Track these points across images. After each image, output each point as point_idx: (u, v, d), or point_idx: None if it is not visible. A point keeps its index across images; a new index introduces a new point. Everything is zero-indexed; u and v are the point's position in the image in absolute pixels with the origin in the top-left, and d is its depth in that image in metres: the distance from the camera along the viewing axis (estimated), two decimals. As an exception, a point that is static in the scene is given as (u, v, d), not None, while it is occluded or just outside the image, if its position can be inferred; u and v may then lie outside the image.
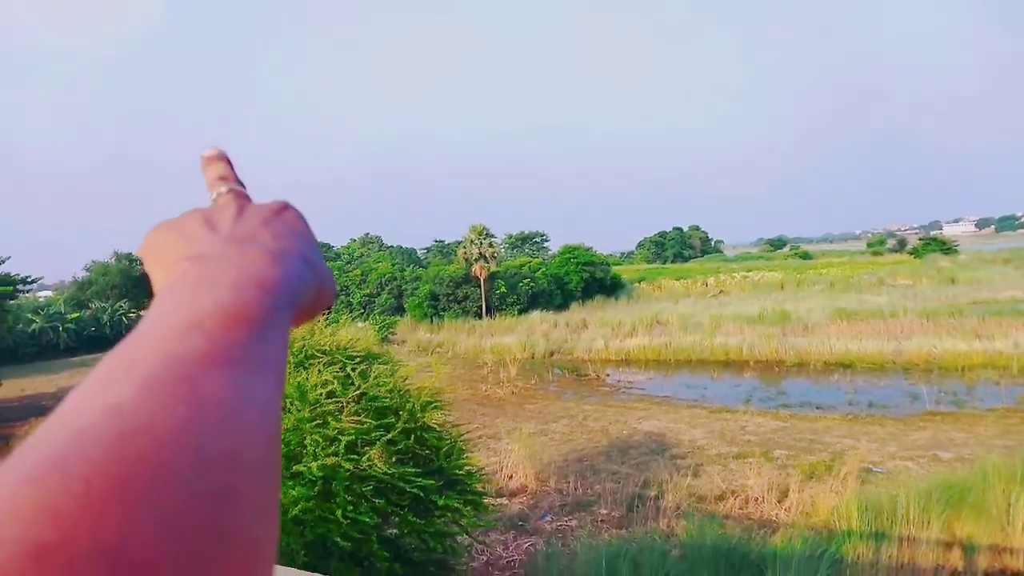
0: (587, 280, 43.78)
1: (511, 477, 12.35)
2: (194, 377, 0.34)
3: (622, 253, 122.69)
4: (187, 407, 0.32)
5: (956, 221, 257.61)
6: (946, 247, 64.10)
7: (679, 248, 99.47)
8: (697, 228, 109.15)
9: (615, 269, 54.44)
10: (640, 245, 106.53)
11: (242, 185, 0.56)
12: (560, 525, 10.43)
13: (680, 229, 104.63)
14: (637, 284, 52.63)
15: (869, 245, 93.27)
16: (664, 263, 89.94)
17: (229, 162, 0.57)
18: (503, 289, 38.79)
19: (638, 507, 10.59)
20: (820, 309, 30.07)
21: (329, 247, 68.57)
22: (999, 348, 20.69)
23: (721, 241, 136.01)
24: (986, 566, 8.51)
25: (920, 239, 79.37)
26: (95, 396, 0.32)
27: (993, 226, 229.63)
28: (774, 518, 9.95)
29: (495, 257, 39.43)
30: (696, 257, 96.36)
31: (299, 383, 7.08)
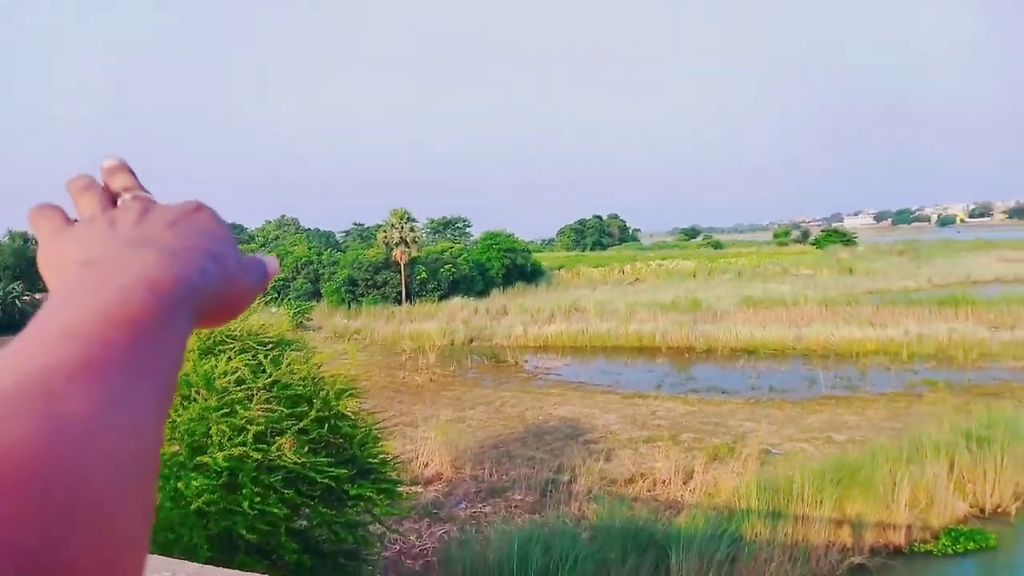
0: (508, 266, 44.05)
1: (427, 465, 12.37)
2: (56, 390, 0.32)
3: (543, 240, 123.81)
4: (38, 422, 0.30)
5: (856, 214, 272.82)
6: (846, 239, 67.91)
7: (598, 236, 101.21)
8: (616, 217, 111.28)
9: (536, 256, 54.95)
10: (560, 232, 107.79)
11: (147, 193, 0.54)
12: (475, 512, 10.55)
13: (599, 217, 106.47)
14: (557, 271, 53.33)
15: (775, 236, 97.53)
16: (583, 251, 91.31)
17: (131, 171, 0.55)
18: (424, 275, 38.55)
19: (551, 492, 10.82)
20: (729, 297, 31.34)
21: (242, 228, 66.26)
22: (891, 335, 22.12)
23: (638, 230, 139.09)
24: (872, 542, 9.16)
25: (822, 231, 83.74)
26: None
27: (890, 219, 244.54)
28: (680, 499, 10.38)
29: (416, 242, 39.11)
30: (614, 245, 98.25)
31: (206, 371, 6.87)
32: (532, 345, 26.41)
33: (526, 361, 23.81)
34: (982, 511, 10.10)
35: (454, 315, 31.85)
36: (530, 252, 50.18)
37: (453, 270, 39.73)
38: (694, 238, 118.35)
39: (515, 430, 14.80)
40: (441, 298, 37.64)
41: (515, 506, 10.64)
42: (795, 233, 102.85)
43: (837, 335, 22.79)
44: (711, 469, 11.22)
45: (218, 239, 0.49)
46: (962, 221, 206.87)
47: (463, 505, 10.80)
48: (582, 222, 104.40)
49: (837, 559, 8.68)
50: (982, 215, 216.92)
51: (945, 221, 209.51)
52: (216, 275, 0.45)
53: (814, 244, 70.46)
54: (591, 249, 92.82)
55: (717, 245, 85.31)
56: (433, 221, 60.24)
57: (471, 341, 27.76)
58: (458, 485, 11.62)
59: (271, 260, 0.55)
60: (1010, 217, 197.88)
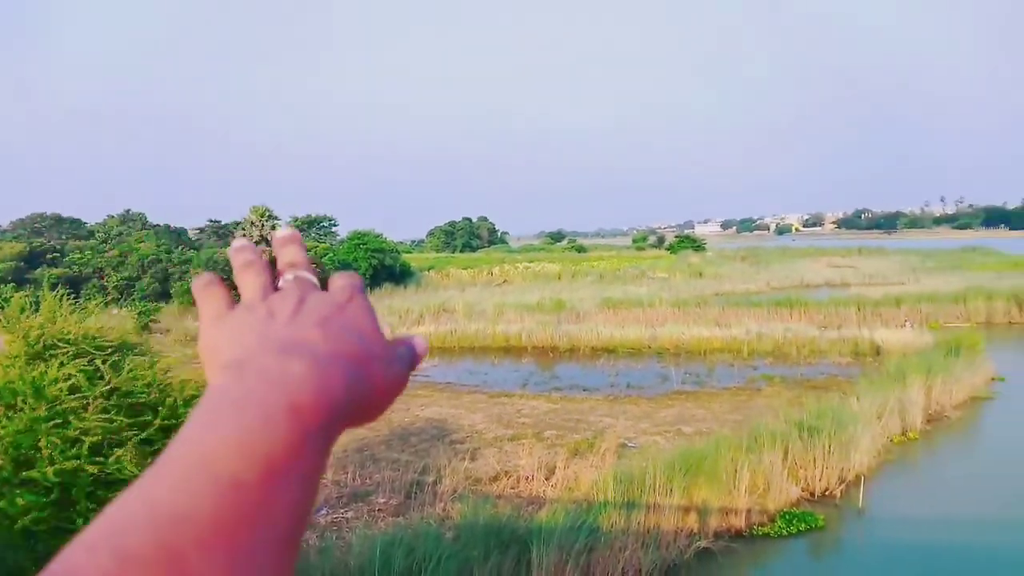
0: (376, 267, 43.33)
1: (287, 471, 11.92)
2: (181, 554, 0.32)
3: (413, 241, 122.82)
4: None
5: (705, 222, 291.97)
6: (696, 245, 72.44)
7: (468, 238, 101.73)
8: (485, 219, 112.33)
9: (405, 257, 54.41)
10: (431, 234, 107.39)
11: (310, 271, 0.54)
12: (336, 518, 10.31)
13: (469, 219, 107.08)
14: (427, 272, 53.07)
15: (634, 241, 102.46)
16: (453, 252, 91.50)
17: (301, 244, 0.55)
18: (285, 275, 37.06)
19: (416, 493, 10.78)
20: (591, 299, 32.53)
21: (80, 223, 60.70)
22: (734, 334, 23.84)
23: (507, 233, 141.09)
24: (716, 526, 9.83)
25: (676, 237, 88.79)
26: (105, 530, 0.32)
27: (735, 227, 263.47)
28: (542, 494, 10.66)
29: (277, 241, 37.42)
30: (483, 247, 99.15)
31: (34, 378, 6.27)
32: (399, 347, 26.10)
33: (392, 363, 23.49)
34: (812, 495, 11.10)
35: (318, 317, 30.88)
36: (399, 253, 49.64)
37: (318, 271, 38.42)
38: (559, 242, 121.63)
39: (380, 433, 14.59)
40: (305, 299, 36.37)
41: (379, 510, 10.50)
42: (652, 239, 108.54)
43: (687, 334, 24.26)
44: (572, 464, 11.61)
45: (368, 337, 0.48)
46: (797, 230, 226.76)
47: (324, 512, 10.52)
48: (452, 224, 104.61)
49: (685, 544, 9.24)
50: (814, 225, 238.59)
51: (782, 230, 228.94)
52: (363, 384, 0.44)
53: (669, 249, 74.59)
54: (461, 251, 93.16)
55: (581, 249, 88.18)
56: (297, 219, 58.00)
57: (336, 343, 27.07)
58: (319, 491, 11.30)
59: (420, 342, 0.53)
60: (838, 227, 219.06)
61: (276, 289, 0.52)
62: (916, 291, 30.33)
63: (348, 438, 14.16)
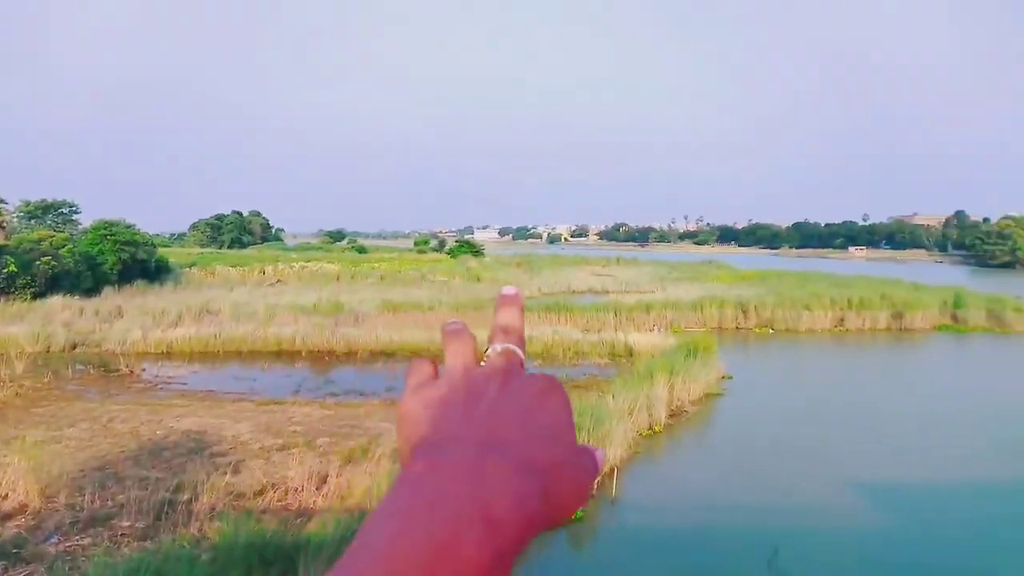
0: (127, 262, 38.86)
1: (6, 496, 10.25)
2: None
3: (172, 234, 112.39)
4: None
5: (484, 228, 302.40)
6: (475, 250, 74.70)
7: (237, 233, 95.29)
8: (258, 214, 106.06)
9: (163, 251, 49.74)
10: (194, 227, 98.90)
11: (519, 344, 0.51)
12: (70, 546, 9.04)
13: (240, 213, 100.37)
14: (188, 269, 48.89)
15: (416, 244, 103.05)
16: (220, 248, 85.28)
17: (523, 310, 0.54)
18: (13, 267, 31.91)
19: (168, 514, 9.81)
20: (370, 301, 32.06)
21: None
22: (507, 337, 24.83)
23: (282, 229, 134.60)
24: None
25: (456, 241, 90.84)
26: None
27: (511, 235, 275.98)
28: (313, 505, 10.25)
29: (3, 228, 32.19)
30: (255, 244, 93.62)
31: None
32: (153, 351, 23.67)
33: (144, 369, 21.26)
34: (572, 488, 11.90)
35: (52, 316, 26.97)
36: (155, 247, 45.06)
37: (53, 263, 33.63)
38: (340, 241, 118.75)
39: (126, 448, 13.09)
40: (36, 296, 31.61)
41: (122, 534, 9.39)
42: (433, 242, 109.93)
43: (465, 337, 24.84)
44: (345, 472, 11.30)
45: (564, 441, 0.45)
46: (566, 240, 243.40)
47: (54, 539, 9.17)
48: (220, 217, 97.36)
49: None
50: (581, 235, 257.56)
51: (553, 239, 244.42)
52: (556, 496, 0.42)
53: (449, 253, 76.03)
54: (229, 247, 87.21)
55: (361, 250, 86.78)
56: (29, 204, 50.30)
57: (74, 347, 23.82)
58: (48, 517, 9.84)
59: (600, 455, 0.50)
60: (601, 238, 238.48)
61: (483, 354, 0.51)
62: (663, 299, 33.84)
63: (86, 456, 12.54)
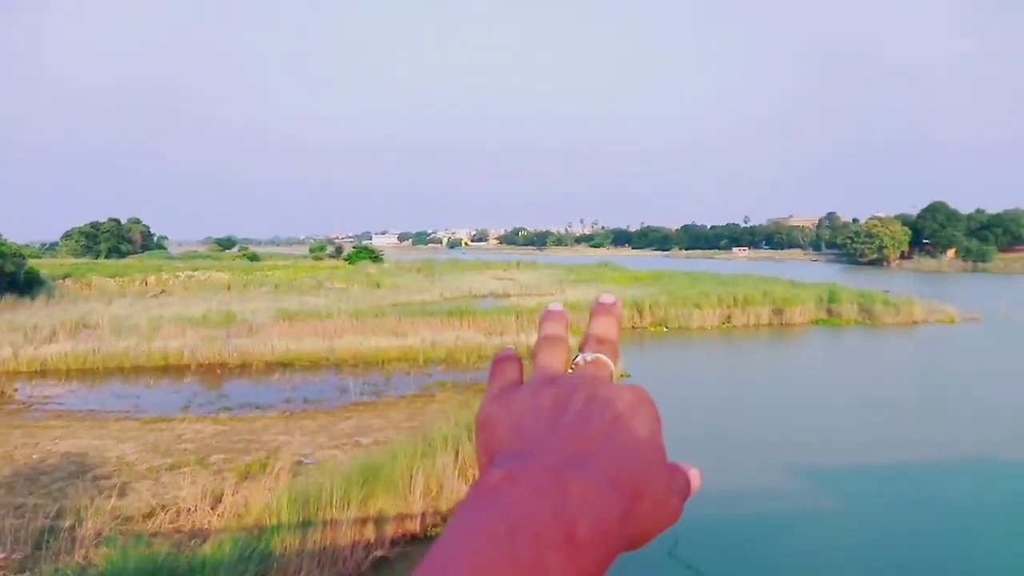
0: (-10, 275, 35.76)
1: None
2: None
3: (43, 244, 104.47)
4: None
5: (383, 233, 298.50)
6: (374, 255, 73.60)
7: (115, 242, 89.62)
8: (138, 221, 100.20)
9: (33, 263, 46.15)
10: (67, 236, 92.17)
11: (616, 351, 0.49)
12: (-69, 587, 8.25)
13: (117, 221, 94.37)
14: (62, 281, 45.62)
15: (311, 250, 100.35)
16: (97, 258, 79.91)
17: (619, 320, 0.51)
18: None
19: (49, 542, 9.11)
20: (265, 310, 30.96)
21: None
22: (411, 343, 24.64)
23: (165, 237, 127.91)
24: (392, 533, 10.01)
25: (354, 247, 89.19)
26: None
27: (411, 239, 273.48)
28: (207, 526, 9.79)
29: None
30: (136, 253, 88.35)
31: None
32: (26, 370, 21.91)
33: (16, 390, 19.65)
34: (478, 490, 11.93)
35: (-97, 337, 24.45)
36: (25, 258, 41.69)
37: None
38: (229, 249, 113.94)
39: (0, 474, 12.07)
40: None
41: (-5, 569, 8.66)
42: (330, 248, 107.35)
43: (366, 345, 24.45)
44: (242, 489, 10.87)
45: (651, 459, 0.43)
46: (467, 244, 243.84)
47: (-89, 583, 8.34)
48: (95, 225, 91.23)
49: (362, 556, 9.26)
50: (481, 239, 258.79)
51: (454, 243, 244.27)
52: (638, 517, 0.40)
53: (347, 259, 74.50)
54: (107, 256, 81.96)
55: (253, 257, 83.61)
56: None
57: (-70, 370, 21.69)
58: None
59: (695, 473, 0.49)
60: (501, 242, 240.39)
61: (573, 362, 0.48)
62: (562, 301, 34.46)
63: (-52, 487, 11.45)
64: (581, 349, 0.51)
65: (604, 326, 0.51)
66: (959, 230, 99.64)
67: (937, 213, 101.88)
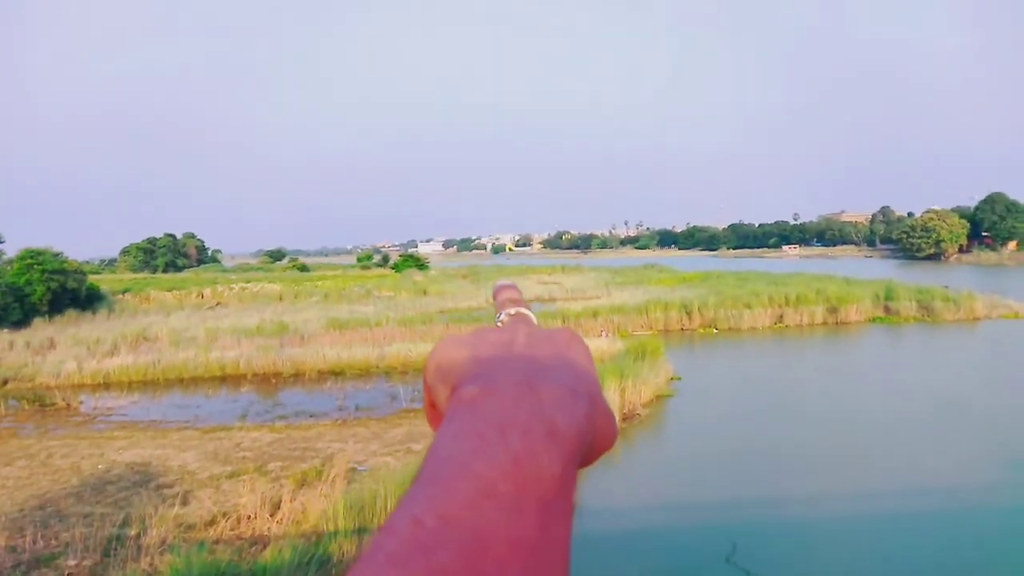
0: (56, 291, 37.29)
1: (-63, 545, 9.70)
2: (487, 573, 0.32)
3: (102, 260, 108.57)
4: None
5: (428, 241, 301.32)
6: (420, 263, 74.37)
7: (172, 257, 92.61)
8: (192, 236, 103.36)
9: (94, 279, 47.94)
10: (125, 252, 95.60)
11: (529, 307, 0.55)
12: (11, 591, 8.63)
13: (173, 236, 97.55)
14: (121, 296, 47.32)
15: (359, 260, 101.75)
16: (154, 272, 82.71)
17: (519, 290, 0.59)
18: (-71, 302, 30.29)
19: (117, 550, 9.45)
20: (316, 320, 31.54)
21: None
22: (457, 350, 24.76)
23: (219, 251, 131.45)
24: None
25: (400, 255, 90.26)
26: (411, 545, 0.32)
27: (455, 246, 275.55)
28: (267, 533, 10.01)
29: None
30: (191, 267, 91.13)
31: None
32: (90, 383, 22.78)
33: (82, 402, 20.44)
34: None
35: (-22, 352, 25.69)
36: (85, 274, 43.36)
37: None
38: (280, 260, 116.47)
39: (68, 484, 12.57)
40: (-42, 332, 30.03)
41: (69, 574, 9.01)
42: (376, 257, 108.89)
43: (415, 351, 24.70)
44: (299, 496, 11.09)
45: (592, 379, 0.46)
46: (511, 249, 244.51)
47: (-7, 588, 8.74)
48: (152, 241, 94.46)
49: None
50: (525, 245, 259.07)
51: (498, 249, 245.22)
52: (596, 422, 0.43)
53: (393, 268, 75.46)
54: (164, 271, 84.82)
55: (303, 268, 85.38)
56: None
57: (5, 383, 22.71)
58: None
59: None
60: (544, 247, 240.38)
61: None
62: (608, 304, 34.34)
63: (25, 495, 12.01)
64: (497, 313, 0.57)
65: (509, 292, 0.58)
66: (1020, 221, 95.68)
67: (996, 204, 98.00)
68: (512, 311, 0.56)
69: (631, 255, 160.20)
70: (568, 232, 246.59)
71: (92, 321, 34.48)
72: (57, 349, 26.36)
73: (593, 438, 0.42)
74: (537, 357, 0.45)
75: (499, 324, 0.54)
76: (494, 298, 0.61)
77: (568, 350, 0.48)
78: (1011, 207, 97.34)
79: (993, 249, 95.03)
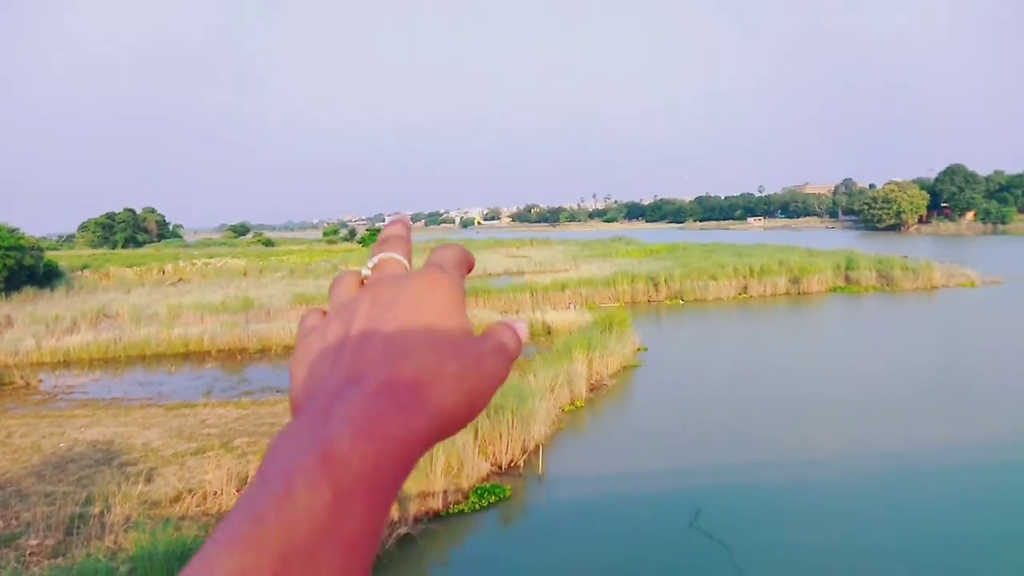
0: (12, 268, 36.24)
1: None
2: None
3: (60, 236, 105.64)
4: None
5: (396, 214, 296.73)
6: (387, 237, 73.51)
7: (131, 232, 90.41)
8: (153, 210, 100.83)
9: (51, 255, 46.77)
10: (83, 227, 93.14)
11: (405, 246, 0.51)
12: (-30, 573, 8.48)
13: (132, 211, 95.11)
14: (80, 272, 46.14)
15: (325, 234, 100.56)
16: (113, 248, 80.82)
17: (407, 227, 0.54)
18: None
19: (79, 528, 9.34)
20: (281, 295, 31.17)
21: None
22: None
23: (180, 226, 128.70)
24: (415, 511, 10.15)
25: (367, 230, 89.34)
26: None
27: (423, 220, 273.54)
28: (231, 508, 9.95)
29: None
30: (152, 242, 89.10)
31: None
32: (49, 361, 22.29)
33: (41, 381, 20.02)
34: (500, 467, 12.00)
35: (-71, 331, 24.91)
36: (43, 250, 42.21)
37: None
38: (244, 235, 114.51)
39: (28, 463, 12.34)
40: (-93, 311, 29.04)
41: (31, 553, 8.88)
42: (343, 231, 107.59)
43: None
44: (266, 471, 11.02)
45: (439, 337, 0.43)
46: (479, 223, 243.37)
47: (-49, 570, 8.57)
48: (111, 216, 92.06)
49: (386, 533, 9.39)
50: (493, 218, 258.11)
51: (466, 223, 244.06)
52: (442, 396, 0.41)
53: (360, 242, 74.69)
54: (123, 247, 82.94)
55: (268, 243, 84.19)
56: None
57: (-42, 363, 22.11)
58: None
59: (522, 327, 0.49)
60: (513, 220, 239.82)
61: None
62: (576, 276, 34.48)
63: (-19, 476, 11.73)
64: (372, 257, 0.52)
65: (389, 229, 0.53)
66: (978, 192, 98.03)
67: (955, 176, 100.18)
68: (376, 259, 0.50)
69: (600, 228, 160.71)
70: (537, 206, 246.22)
71: (50, 298, 33.65)
72: (14, 327, 25.68)
73: (441, 409, 0.41)
74: (363, 356, 0.42)
75: (364, 276, 0.51)
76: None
77: (415, 313, 0.44)
78: (969, 178, 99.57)
79: (952, 220, 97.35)
